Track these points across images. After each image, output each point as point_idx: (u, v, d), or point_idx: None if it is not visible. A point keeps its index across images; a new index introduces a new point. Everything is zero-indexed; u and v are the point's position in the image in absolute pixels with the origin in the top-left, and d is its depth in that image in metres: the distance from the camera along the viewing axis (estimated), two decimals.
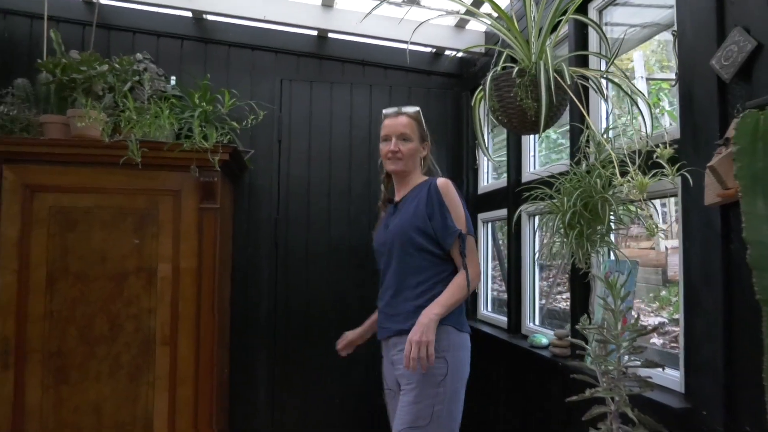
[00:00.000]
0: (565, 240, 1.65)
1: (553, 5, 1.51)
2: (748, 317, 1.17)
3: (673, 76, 1.54)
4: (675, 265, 2.04)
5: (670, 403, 1.47)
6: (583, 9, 2.01)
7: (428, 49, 3.28)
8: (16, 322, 2.25)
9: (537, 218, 2.52)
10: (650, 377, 1.45)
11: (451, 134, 3.32)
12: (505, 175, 2.75)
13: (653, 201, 1.77)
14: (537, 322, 2.56)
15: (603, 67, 1.94)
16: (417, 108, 2.04)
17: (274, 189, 3.11)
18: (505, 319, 2.72)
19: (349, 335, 2.15)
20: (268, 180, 3.11)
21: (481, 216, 3.14)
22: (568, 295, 2.34)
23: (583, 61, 2.03)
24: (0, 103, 2.41)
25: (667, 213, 2.90)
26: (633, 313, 1.64)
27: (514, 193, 2.54)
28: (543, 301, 2.92)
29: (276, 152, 3.13)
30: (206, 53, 3.11)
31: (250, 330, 3.05)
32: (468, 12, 1.82)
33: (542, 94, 1.40)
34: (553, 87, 1.39)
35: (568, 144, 2.12)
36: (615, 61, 1.52)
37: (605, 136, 1.65)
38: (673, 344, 2.45)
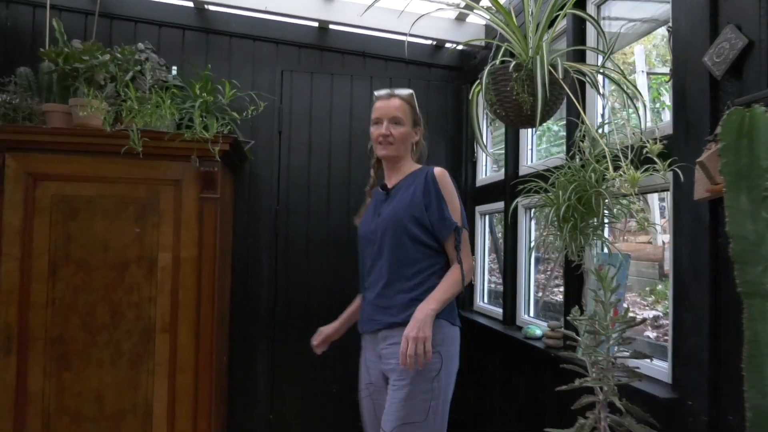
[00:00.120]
0: (559, 233, 1.68)
1: (551, 0, 1.53)
2: (733, 310, 1.20)
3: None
4: None
5: (657, 393, 1.50)
6: (581, 3, 2.03)
7: (429, 42, 3.29)
8: (19, 310, 2.29)
9: (533, 211, 2.55)
10: (638, 368, 1.49)
11: (450, 127, 3.34)
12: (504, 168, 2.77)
13: (651, 195, 1.80)
14: (532, 314, 2.60)
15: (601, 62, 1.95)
16: (410, 91, 1.96)
17: (275, 179, 3.14)
18: (500, 310, 2.76)
19: (325, 330, 2.06)
20: (269, 170, 3.13)
21: (478, 208, 3.17)
22: None
23: (581, 56, 2.05)
24: (3, 91, 2.42)
25: (666, 208, 2.92)
26: (625, 305, 1.67)
27: (511, 186, 2.56)
28: (540, 294, 2.95)
29: (276, 143, 3.15)
30: (208, 43, 3.12)
31: (250, 320, 3.09)
32: (467, 6, 1.83)
33: (538, 89, 1.41)
34: (548, 82, 1.41)
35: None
36: (614, 56, 1.54)
37: (600, 130, 1.67)
38: (666, 337, 2.49)
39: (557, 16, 1.55)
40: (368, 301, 1.87)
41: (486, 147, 3.22)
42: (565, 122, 2.12)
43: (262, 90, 2.98)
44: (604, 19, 2.07)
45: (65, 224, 2.35)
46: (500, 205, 2.78)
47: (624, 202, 1.54)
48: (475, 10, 1.75)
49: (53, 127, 2.35)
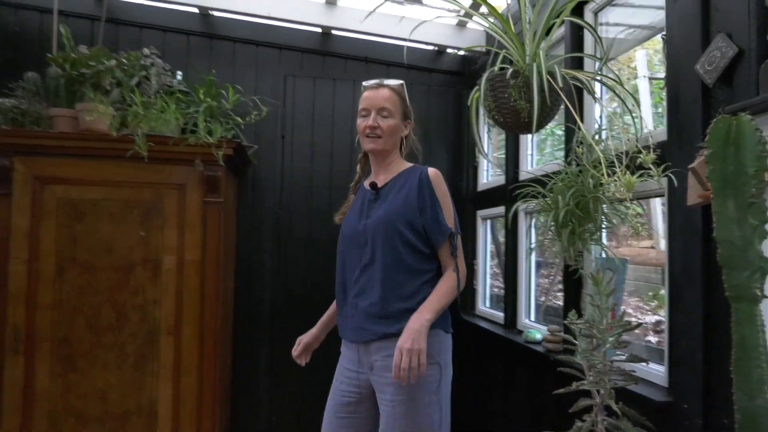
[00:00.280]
0: (556, 238, 1.70)
1: (548, 8, 1.55)
2: (724, 314, 1.22)
3: None
4: None
5: (653, 396, 1.52)
6: (579, 10, 2.05)
7: (430, 47, 3.32)
8: (27, 311, 2.33)
9: (533, 216, 2.57)
10: (634, 371, 1.50)
11: (452, 131, 3.37)
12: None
13: (654, 200, 1.81)
14: (532, 318, 2.61)
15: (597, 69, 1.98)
16: (400, 81, 1.84)
17: (277, 183, 3.17)
18: (502, 314, 2.78)
19: (305, 339, 1.96)
20: (272, 174, 3.17)
21: (480, 213, 3.19)
22: None
23: (579, 62, 2.07)
24: (11, 96, 2.47)
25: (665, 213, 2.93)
26: (622, 309, 1.69)
27: (511, 190, 2.59)
28: (543, 299, 2.96)
29: (279, 147, 3.18)
30: (212, 49, 3.16)
31: (254, 322, 3.12)
32: (466, 14, 1.86)
33: (534, 96, 1.44)
34: (546, 89, 1.43)
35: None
36: (616, 61, 1.55)
37: (597, 137, 1.69)
38: None
39: (554, 24, 1.57)
40: (360, 308, 1.70)
41: (486, 152, 3.24)
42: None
43: (266, 95, 3.01)
44: (602, 25, 2.09)
45: (71, 227, 2.39)
46: (501, 209, 2.81)
47: (620, 207, 1.56)
48: (473, 18, 1.78)
49: (60, 132, 2.39)
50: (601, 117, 2.01)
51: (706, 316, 1.32)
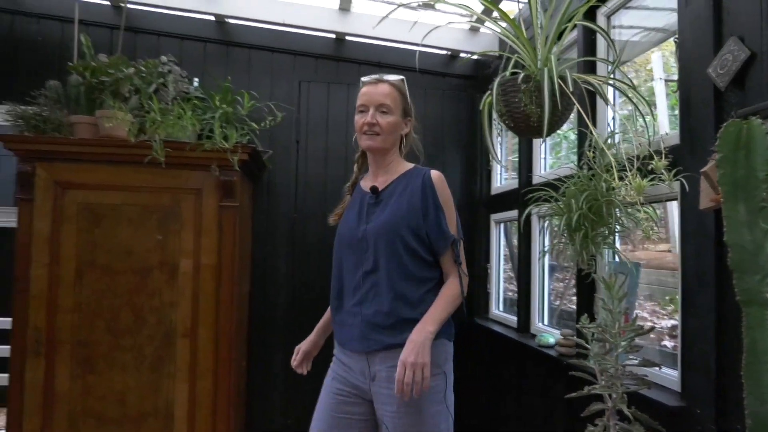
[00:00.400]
0: (569, 242, 1.70)
1: (560, 13, 1.56)
2: (737, 319, 1.21)
3: None
4: None
5: (666, 401, 1.51)
6: (591, 14, 2.05)
7: (444, 52, 3.33)
8: (47, 313, 2.38)
9: (546, 220, 2.56)
10: (646, 375, 1.50)
11: (465, 135, 3.37)
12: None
13: (671, 203, 1.80)
14: (546, 322, 2.61)
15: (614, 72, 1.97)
16: (401, 76, 1.76)
17: (292, 188, 3.21)
18: (515, 318, 2.77)
19: (304, 347, 1.88)
20: (286, 179, 3.20)
21: (493, 217, 3.19)
22: None
23: (592, 66, 2.07)
24: (33, 104, 2.53)
25: None
26: (636, 313, 1.69)
27: (523, 194, 2.59)
28: (557, 302, 2.95)
29: (294, 152, 3.22)
30: (228, 55, 3.21)
31: (268, 325, 3.15)
32: (478, 20, 1.87)
33: (545, 101, 1.44)
34: (557, 94, 1.43)
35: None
36: (633, 62, 1.55)
37: (609, 140, 1.69)
38: None
39: (566, 28, 1.57)
40: (363, 318, 1.62)
41: (500, 156, 3.24)
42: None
43: (280, 100, 3.05)
44: (615, 28, 2.08)
45: (91, 231, 2.44)
46: (514, 213, 2.80)
47: (630, 210, 1.56)
48: (486, 23, 1.79)
49: (80, 138, 2.45)
50: (613, 121, 2.00)
51: (719, 320, 1.31)
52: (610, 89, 1.94)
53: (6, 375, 2.39)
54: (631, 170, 1.34)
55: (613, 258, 1.89)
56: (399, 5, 1.87)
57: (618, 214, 1.57)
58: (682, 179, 1.31)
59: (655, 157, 1.29)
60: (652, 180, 1.33)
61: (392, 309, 1.58)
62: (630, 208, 1.55)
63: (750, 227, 0.94)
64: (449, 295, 1.63)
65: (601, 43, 2.07)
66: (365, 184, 1.77)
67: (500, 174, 3.25)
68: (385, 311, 1.59)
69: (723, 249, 1.29)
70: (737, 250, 0.95)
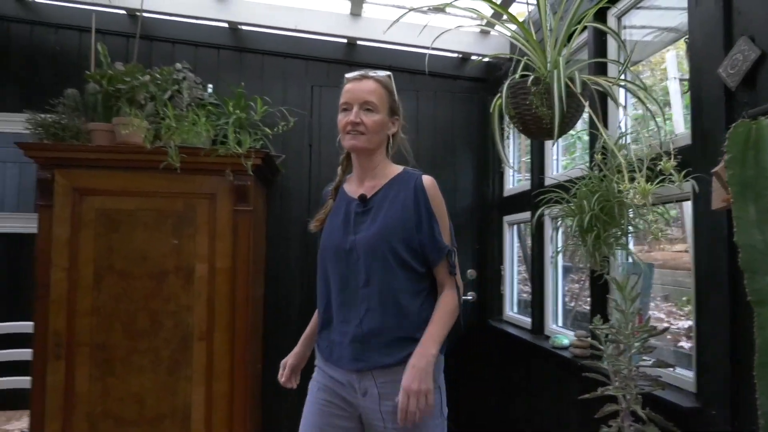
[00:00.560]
0: (581, 243, 1.70)
1: (570, 15, 1.56)
2: (751, 319, 1.20)
3: None
4: None
5: (681, 402, 1.50)
6: (602, 15, 2.05)
7: (455, 55, 3.34)
8: (67, 317, 2.43)
9: (558, 221, 2.56)
10: (660, 376, 1.49)
11: (477, 137, 3.37)
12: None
13: (686, 204, 1.78)
14: (560, 323, 2.60)
15: (625, 73, 1.97)
16: (388, 72, 1.67)
17: (305, 191, 3.23)
18: (529, 320, 2.77)
19: (290, 361, 1.79)
20: (299, 183, 3.23)
21: (506, 218, 3.19)
22: None
23: (603, 67, 2.06)
24: (53, 112, 2.59)
25: None
26: (649, 313, 1.68)
27: (534, 195, 2.58)
28: (573, 304, 2.94)
29: (307, 156, 3.25)
30: (241, 61, 3.25)
31: (282, 329, 3.17)
32: (488, 23, 1.88)
33: (555, 103, 1.45)
34: (565, 96, 1.44)
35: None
36: (648, 61, 1.54)
37: (620, 142, 1.69)
38: None
39: (576, 30, 1.58)
40: (353, 336, 1.52)
41: (513, 157, 3.24)
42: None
43: (293, 105, 3.08)
44: (626, 28, 2.08)
45: (108, 236, 2.48)
46: (527, 215, 2.80)
47: (641, 211, 1.56)
48: (495, 26, 1.79)
49: (98, 145, 2.50)
50: (624, 122, 1.99)
51: (733, 320, 1.30)
52: (622, 90, 1.94)
53: (28, 378, 2.44)
54: (640, 172, 1.34)
55: (626, 259, 1.88)
56: (409, 9, 1.88)
57: (630, 215, 1.57)
58: (693, 180, 1.31)
59: (664, 157, 1.29)
60: (661, 182, 1.33)
61: (386, 327, 1.49)
62: (641, 209, 1.55)
63: (760, 227, 0.94)
64: (447, 311, 1.53)
65: (612, 44, 2.06)
66: (350, 188, 1.67)
67: (513, 176, 3.25)
68: (377, 329, 1.50)
69: (735, 249, 1.29)
70: (747, 251, 0.95)
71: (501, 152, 1.82)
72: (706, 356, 1.43)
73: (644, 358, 1.54)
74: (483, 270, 3.33)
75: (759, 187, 0.94)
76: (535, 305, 2.66)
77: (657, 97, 1.70)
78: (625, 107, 1.93)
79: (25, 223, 2.96)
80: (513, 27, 1.72)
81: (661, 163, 1.28)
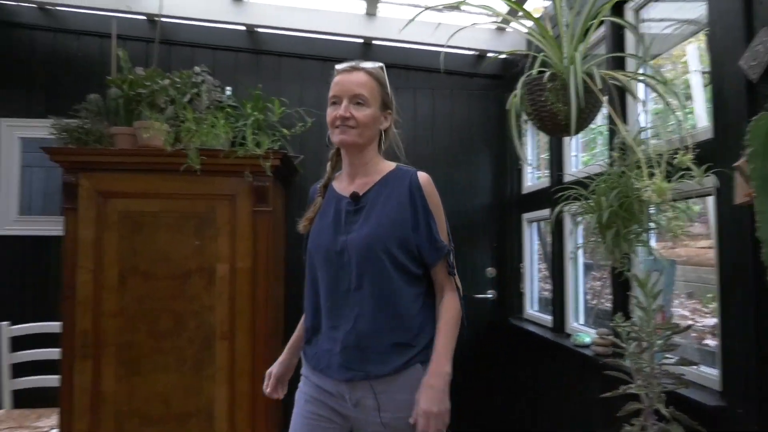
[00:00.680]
0: (600, 240, 1.68)
1: (585, 9, 1.55)
2: None
3: None
4: None
5: (706, 400, 1.48)
6: (619, 9, 2.02)
7: (471, 52, 3.33)
8: (93, 317, 2.48)
9: (578, 218, 2.53)
10: (683, 374, 1.47)
11: (494, 134, 3.36)
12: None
13: (708, 199, 1.76)
14: (581, 321, 2.57)
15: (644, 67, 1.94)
16: (380, 64, 1.57)
17: None
18: (550, 318, 2.75)
19: (275, 371, 1.72)
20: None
21: (526, 216, 3.17)
22: None
23: (621, 62, 2.04)
24: (76, 117, 2.64)
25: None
26: (672, 310, 1.66)
27: (553, 192, 2.56)
28: (595, 301, 2.91)
29: (324, 156, 3.24)
30: (259, 64, 3.28)
31: None
32: (504, 20, 1.87)
33: (572, 99, 1.44)
34: (582, 92, 1.42)
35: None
36: (669, 54, 1.52)
37: (639, 137, 1.66)
38: None
39: (592, 25, 1.56)
40: (343, 343, 1.44)
41: (532, 154, 3.21)
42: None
43: (310, 106, 3.09)
44: (644, 21, 2.05)
45: (131, 238, 2.52)
46: (546, 212, 2.78)
47: (661, 207, 1.53)
48: (511, 23, 1.78)
49: (120, 149, 2.54)
50: (645, 116, 1.97)
51: (758, 317, 1.28)
52: (641, 85, 1.91)
53: (57, 377, 2.50)
54: (658, 168, 1.32)
55: (648, 255, 1.86)
56: (424, 8, 1.88)
57: (651, 211, 1.55)
58: (715, 174, 1.28)
59: (680, 152, 1.27)
60: (681, 178, 1.31)
61: (379, 332, 1.42)
62: (663, 205, 1.53)
63: None
64: (451, 317, 1.46)
65: (630, 38, 2.04)
66: (340, 186, 1.59)
67: (531, 173, 3.23)
68: (370, 335, 1.42)
69: (759, 245, 1.26)
70: None
71: (519, 149, 1.81)
72: (732, 354, 1.41)
73: (667, 356, 1.52)
74: (503, 268, 3.31)
75: None
76: (556, 303, 2.64)
77: (679, 90, 1.67)
78: (644, 102, 1.90)
79: (52, 226, 3.02)
80: (529, 23, 1.71)
81: (678, 156, 1.26)
